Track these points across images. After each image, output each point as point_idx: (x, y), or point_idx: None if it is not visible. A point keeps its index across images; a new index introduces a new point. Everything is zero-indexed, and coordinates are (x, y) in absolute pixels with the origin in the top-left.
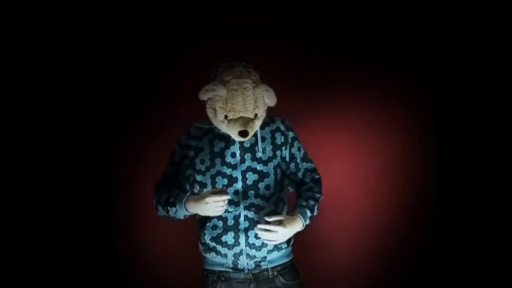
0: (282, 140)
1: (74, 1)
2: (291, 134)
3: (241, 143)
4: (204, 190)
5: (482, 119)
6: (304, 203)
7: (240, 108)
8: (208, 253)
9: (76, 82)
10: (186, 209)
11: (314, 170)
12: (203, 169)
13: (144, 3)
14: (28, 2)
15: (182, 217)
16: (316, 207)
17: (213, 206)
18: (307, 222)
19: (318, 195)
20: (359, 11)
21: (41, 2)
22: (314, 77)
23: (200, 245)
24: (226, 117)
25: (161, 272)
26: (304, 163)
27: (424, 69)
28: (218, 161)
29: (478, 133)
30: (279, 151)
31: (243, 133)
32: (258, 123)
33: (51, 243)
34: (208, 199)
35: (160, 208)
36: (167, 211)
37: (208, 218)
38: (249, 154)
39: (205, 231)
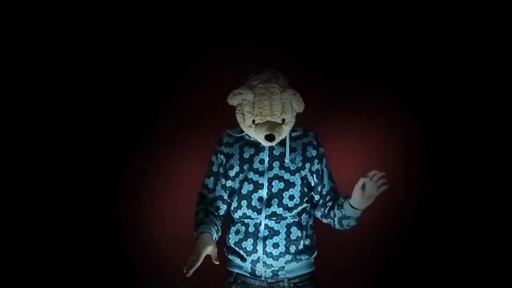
0: (313, 154)
1: (81, 6)
2: (322, 150)
3: (271, 150)
4: (234, 196)
5: (482, 119)
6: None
7: (267, 112)
8: (230, 255)
9: (84, 85)
10: (197, 238)
11: (336, 190)
12: (232, 175)
13: (159, 8)
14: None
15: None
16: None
17: (191, 263)
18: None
19: None
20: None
21: (54, 7)
22: (315, 81)
23: (225, 247)
24: (254, 121)
25: (165, 271)
26: (329, 180)
27: (427, 71)
28: (246, 167)
29: (477, 133)
30: (309, 164)
31: (269, 137)
32: (286, 129)
33: (55, 243)
34: (199, 257)
35: (195, 219)
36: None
37: (233, 222)
38: (277, 162)
39: (230, 235)
